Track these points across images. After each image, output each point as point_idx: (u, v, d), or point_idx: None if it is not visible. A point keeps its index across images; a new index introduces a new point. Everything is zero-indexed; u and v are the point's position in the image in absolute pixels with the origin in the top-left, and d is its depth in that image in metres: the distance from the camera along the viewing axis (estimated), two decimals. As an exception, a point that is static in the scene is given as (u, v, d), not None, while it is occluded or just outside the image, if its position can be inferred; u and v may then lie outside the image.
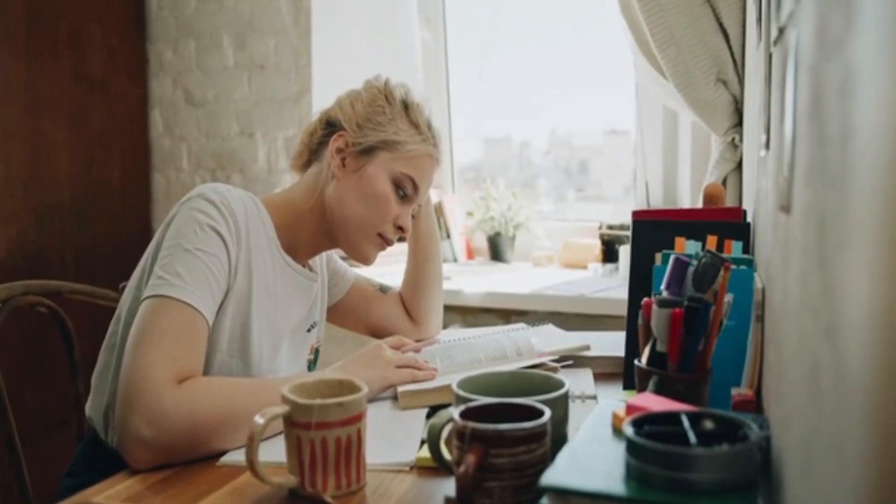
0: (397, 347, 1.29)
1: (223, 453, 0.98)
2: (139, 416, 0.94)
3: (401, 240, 1.33)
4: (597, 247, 2.43)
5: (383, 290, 1.50)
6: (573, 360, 1.31)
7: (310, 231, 1.25)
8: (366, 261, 1.28)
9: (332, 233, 1.25)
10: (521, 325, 1.53)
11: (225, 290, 1.10)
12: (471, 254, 2.70)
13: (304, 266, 1.29)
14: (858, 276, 0.34)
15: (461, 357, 1.28)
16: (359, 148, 1.22)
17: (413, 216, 1.34)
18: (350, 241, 1.25)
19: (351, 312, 1.46)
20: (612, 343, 1.36)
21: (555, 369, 1.22)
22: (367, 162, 1.22)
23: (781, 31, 0.74)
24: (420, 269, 1.48)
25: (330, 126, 1.26)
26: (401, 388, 1.16)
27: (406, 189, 1.25)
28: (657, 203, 2.37)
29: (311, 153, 1.28)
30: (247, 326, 1.14)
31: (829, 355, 0.41)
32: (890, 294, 0.28)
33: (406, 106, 1.25)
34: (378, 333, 1.47)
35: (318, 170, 1.25)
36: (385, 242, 1.27)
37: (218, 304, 1.09)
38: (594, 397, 1.15)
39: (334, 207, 1.23)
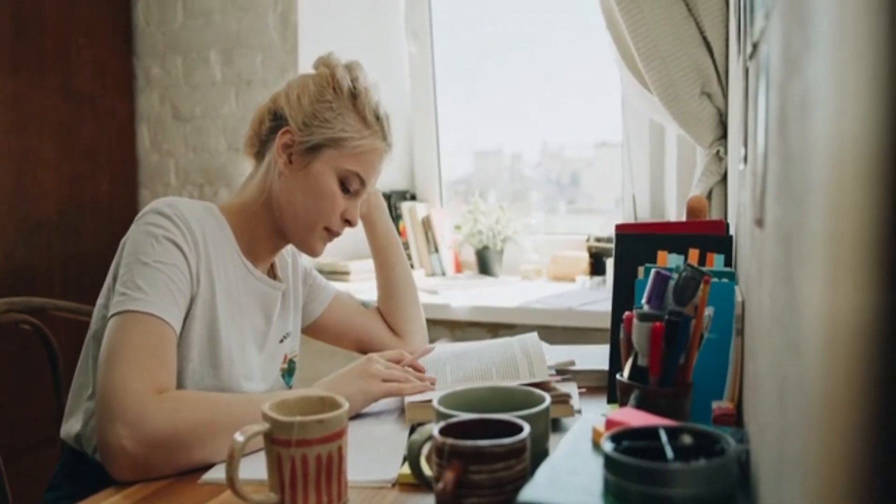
0: (397, 360, 1.27)
1: (205, 470, 0.98)
2: (120, 424, 0.95)
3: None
4: (585, 259, 2.43)
5: (365, 305, 1.51)
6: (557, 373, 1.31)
7: (265, 229, 1.25)
8: (313, 253, 1.28)
9: (282, 227, 1.25)
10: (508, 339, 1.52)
11: (189, 298, 1.11)
12: (459, 267, 2.70)
13: (270, 274, 1.30)
14: (815, 291, 0.34)
15: (472, 368, 1.25)
16: (305, 146, 1.21)
17: (373, 221, 1.41)
18: (297, 235, 1.25)
19: (333, 327, 1.46)
20: (597, 357, 1.36)
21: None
22: (312, 159, 1.22)
23: (755, 46, 0.75)
24: (388, 277, 1.48)
25: (278, 119, 1.24)
26: (408, 400, 1.14)
27: (352, 185, 1.24)
28: (644, 216, 2.37)
29: (261, 143, 1.27)
30: (214, 333, 1.14)
31: (794, 370, 0.41)
32: (838, 308, 0.28)
33: (354, 96, 1.23)
34: (364, 348, 1.46)
35: (268, 163, 1.25)
36: (331, 235, 1.27)
37: (183, 312, 1.10)
38: (579, 411, 1.15)
39: (282, 203, 1.23)
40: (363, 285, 2.29)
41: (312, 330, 1.45)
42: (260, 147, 1.28)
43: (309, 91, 1.23)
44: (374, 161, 1.25)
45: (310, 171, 1.21)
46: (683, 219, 1.68)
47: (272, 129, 1.25)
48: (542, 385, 1.15)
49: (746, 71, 0.91)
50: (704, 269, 0.96)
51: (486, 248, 2.57)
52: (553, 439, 0.87)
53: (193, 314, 1.11)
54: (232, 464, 0.81)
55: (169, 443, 0.96)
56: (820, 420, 0.31)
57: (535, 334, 1.36)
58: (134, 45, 2.79)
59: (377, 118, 1.25)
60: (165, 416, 0.96)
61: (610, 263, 2.30)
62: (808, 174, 0.37)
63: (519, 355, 1.27)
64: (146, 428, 0.95)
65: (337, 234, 1.28)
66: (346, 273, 2.47)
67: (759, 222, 0.68)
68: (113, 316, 1.04)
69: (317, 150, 1.21)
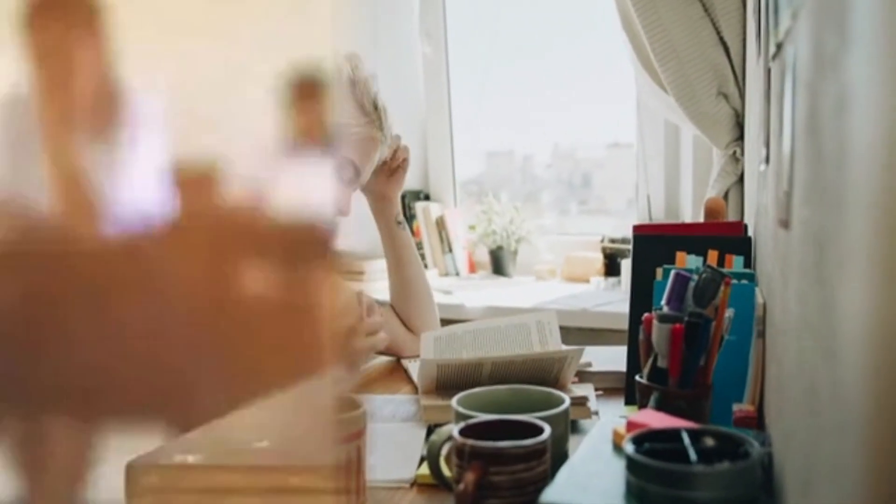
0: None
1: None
2: None
3: None
4: (599, 260, 2.42)
5: (379, 303, 1.50)
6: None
7: None
8: None
9: None
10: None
11: None
12: (473, 268, 2.69)
13: None
14: (856, 294, 0.33)
15: (489, 353, 1.23)
16: None
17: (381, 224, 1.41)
18: None
19: None
20: (613, 358, 1.35)
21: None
22: None
23: (779, 46, 0.74)
24: (400, 275, 1.47)
25: None
26: (424, 402, 1.14)
27: (345, 173, 1.24)
28: (659, 216, 2.37)
29: None
30: None
31: (827, 375, 0.41)
32: (887, 315, 0.28)
33: (352, 84, 1.23)
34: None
35: None
36: None
37: None
38: (596, 413, 1.15)
39: None
40: (377, 285, 2.28)
41: (328, 330, 1.45)
42: None
43: None
44: (369, 150, 1.25)
45: None
46: (700, 219, 1.67)
47: None
48: (558, 386, 1.15)
49: (768, 72, 0.90)
50: (724, 270, 0.95)
51: (500, 248, 2.57)
52: (571, 441, 0.87)
53: None
54: (251, 463, 0.81)
55: None
56: (863, 426, 0.31)
57: (553, 312, 1.33)
58: (149, 45, 2.80)
59: (375, 108, 1.25)
60: None
61: (625, 264, 2.29)
62: (845, 175, 0.37)
63: (536, 348, 1.26)
64: None
65: None
66: (361, 273, 2.47)
67: (785, 224, 0.67)
68: None
69: None
